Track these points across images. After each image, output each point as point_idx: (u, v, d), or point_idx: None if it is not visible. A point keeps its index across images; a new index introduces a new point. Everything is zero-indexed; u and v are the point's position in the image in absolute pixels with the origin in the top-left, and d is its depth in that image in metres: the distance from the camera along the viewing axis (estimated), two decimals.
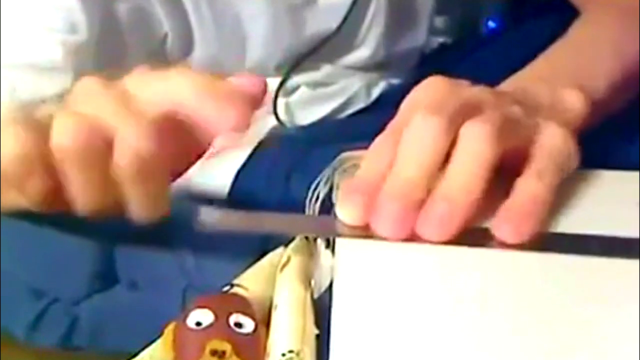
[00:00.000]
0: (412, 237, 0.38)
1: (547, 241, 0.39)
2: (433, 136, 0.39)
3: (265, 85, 0.43)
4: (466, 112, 0.40)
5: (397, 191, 0.38)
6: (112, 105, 0.39)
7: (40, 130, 0.39)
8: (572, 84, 0.46)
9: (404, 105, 0.42)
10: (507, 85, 0.48)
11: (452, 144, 0.39)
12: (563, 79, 0.48)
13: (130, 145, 0.38)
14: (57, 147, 0.38)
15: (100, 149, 0.38)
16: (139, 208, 0.40)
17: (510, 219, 0.39)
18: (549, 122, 0.42)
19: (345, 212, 0.39)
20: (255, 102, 0.41)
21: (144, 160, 0.38)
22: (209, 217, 0.42)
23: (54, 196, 0.40)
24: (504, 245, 0.38)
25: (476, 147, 0.39)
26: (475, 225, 0.39)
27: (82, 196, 0.40)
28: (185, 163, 0.44)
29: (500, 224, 0.39)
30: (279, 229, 0.44)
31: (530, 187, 0.40)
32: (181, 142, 0.41)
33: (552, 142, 0.41)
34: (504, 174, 0.40)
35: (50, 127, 0.39)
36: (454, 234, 0.38)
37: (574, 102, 0.45)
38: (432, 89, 0.43)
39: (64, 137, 0.38)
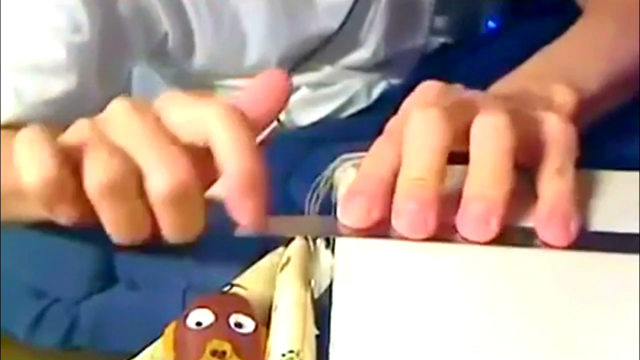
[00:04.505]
0: (450, 238, 0.38)
1: (588, 239, 0.39)
2: (434, 125, 0.38)
3: (289, 79, 0.42)
4: (465, 109, 0.40)
5: (409, 190, 0.38)
6: (144, 136, 0.38)
7: (68, 154, 0.37)
8: (563, 80, 0.46)
9: (401, 110, 0.43)
10: (499, 83, 0.48)
11: (463, 142, 0.39)
12: (554, 76, 0.48)
13: (164, 177, 0.37)
14: (91, 185, 0.37)
15: (133, 182, 0.37)
16: (175, 232, 0.39)
17: (554, 222, 0.38)
18: (548, 113, 0.42)
19: (348, 214, 0.39)
20: (281, 100, 0.41)
21: (178, 190, 0.37)
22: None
23: (84, 216, 0.39)
24: (549, 245, 0.38)
25: (495, 138, 0.38)
26: (514, 224, 0.39)
27: (116, 226, 0.39)
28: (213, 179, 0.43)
29: (546, 228, 0.38)
30: (280, 231, 0.43)
31: (556, 187, 0.39)
32: (210, 164, 0.39)
33: (558, 134, 0.41)
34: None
35: (80, 153, 0.37)
36: (496, 231, 0.38)
37: (564, 97, 0.45)
38: (427, 91, 0.43)
39: (97, 174, 0.37)
